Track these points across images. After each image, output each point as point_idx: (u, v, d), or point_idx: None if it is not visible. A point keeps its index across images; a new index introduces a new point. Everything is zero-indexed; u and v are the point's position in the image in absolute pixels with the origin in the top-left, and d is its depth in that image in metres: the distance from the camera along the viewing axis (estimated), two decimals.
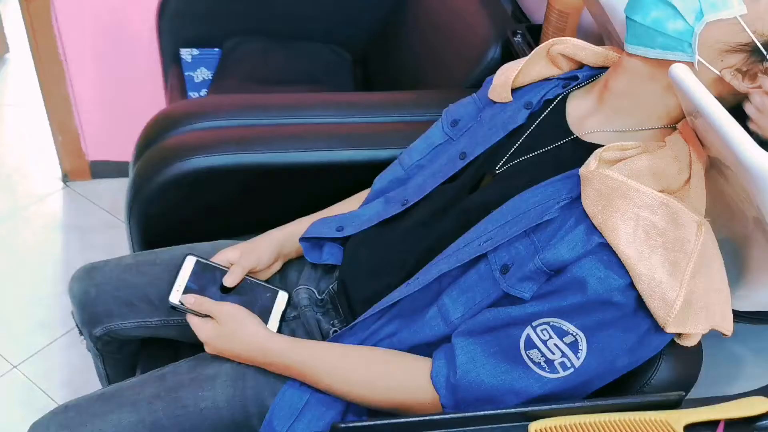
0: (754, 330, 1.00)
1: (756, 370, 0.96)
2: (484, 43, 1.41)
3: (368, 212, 1.04)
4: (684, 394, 0.66)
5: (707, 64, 0.79)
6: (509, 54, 1.36)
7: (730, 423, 0.62)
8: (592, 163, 0.80)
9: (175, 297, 0.94)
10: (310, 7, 1.81)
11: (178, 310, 0.94)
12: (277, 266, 1.06)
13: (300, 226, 1.06)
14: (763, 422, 0.62)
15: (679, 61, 0.79)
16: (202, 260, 0.99)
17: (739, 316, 1.02)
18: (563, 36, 1.27)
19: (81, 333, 1.16)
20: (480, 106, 1.03)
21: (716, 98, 0.80)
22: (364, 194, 1.11)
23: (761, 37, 0.77)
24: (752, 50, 0.78)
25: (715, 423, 0.62)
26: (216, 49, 1.79)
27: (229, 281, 0.97)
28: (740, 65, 0.79)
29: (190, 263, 0.98)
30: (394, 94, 1.37)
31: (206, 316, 0.92)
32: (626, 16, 0.83)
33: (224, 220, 1.23)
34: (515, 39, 1.35)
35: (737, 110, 0.80)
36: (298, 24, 1.84)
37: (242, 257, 1.01)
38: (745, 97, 0.80)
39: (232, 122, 1.23)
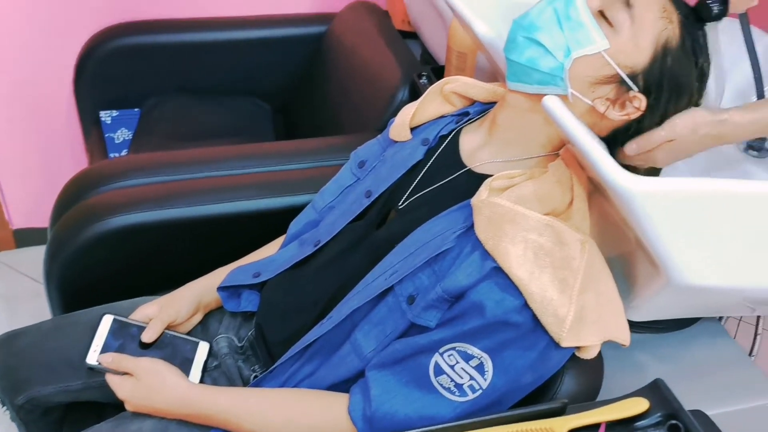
0: (656, 338, 1.05)
1: (658, 376, 1.01)
2: (393, 86, 1.47)
3: (284, 256, 1.07)
4: (567, 401, 0.70)
5: (580, 96, 0.85)
6: (416, 95, 1.42)
7: (611, 425, 0.66)
8: (483, 192, 0.85)
9: (93, 357, 0.94)
10: (229, 62, 1.85)
11: (97, 371, 0.94)
12: (198, 318, 1.07)
13: (218, 276, 1.08)
14: (641, 422, 0.66)
15: (554, 95, 0.86)
16: (119, 318, 0.99)
17: (640, 326, 1.08)
18: (464, 75, 1.34)
19: (2, 403, 1.14)
20: (384, 145, 1.08)
21: (592, 126, 0.88)
22: (281, 239, 1.13)
23: (625, 69, 0.84)
24: (620, 81, 0.85)
25: (596, 426, 0.66)
26: (135, 110, 1.81)
27: (147, 336, 0.98)
28: (610, 95, 0.86)
29: (107, 322, 0.98)
30: (309, 141, 1.41)
31: (125, 373, 0.92)
32: (505, 56, 0.89)
33: (145, 277, 1.23)
34: (421, 81, 1.42)
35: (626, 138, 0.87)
36: (217, 79, 1.88)
37: (161, 312, 1.02)
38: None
39: (149, 180, 1.25)
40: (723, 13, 0.92)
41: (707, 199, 0.73)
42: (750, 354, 1.20)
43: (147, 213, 1.17)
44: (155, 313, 1.01)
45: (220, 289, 1.06)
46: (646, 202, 0.71)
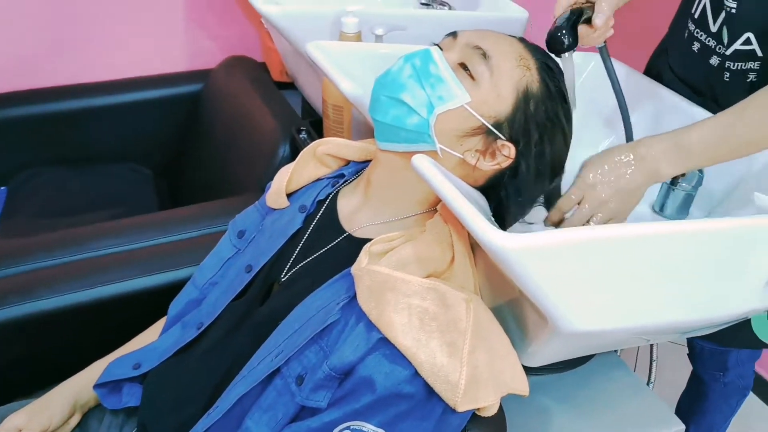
0: (556, 378, 1.05)
1: (562, 417, 1.01)
2: (272, 144, 1.43)
3: (166, 342, 1.00)
4: None
5: (449, 150, 0.84)
6: (297, 151, 1.39)
7: None
8: (362, 259, 0.82)
9: None
10: (103, 129, 1.76)
11: None
12: (75, 420, 0.98)
13: (94, 371, 1.00)
14: None
15: (424, 151, 0.85)
16: None
17: (538, 369, 1.07)
18: (342, 127, 1.32)
19: None
20: (263, 213, 1.04)
21: (465, 177, 0.87)
22: (163, 322, 1.06)
23: (489, 119, 0.84)
24: (486, 131, 0.84)
25: None
26: (1, 188, 1.69)
27: None
28: (479, 146, 0.85)
29: None
30: (188, 209, 1.35)
31: None
32: (371, 117, 0.87)
33: (16, 378, 1.13)
34: (300, 136, 1.39)
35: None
36: (92, 147, 1.78)
37: (31, 421, 0.92)
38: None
39: (11, 270, 1.15)
40: (573, 44, 0.94)
41: (581, 248, 0.73)
42: (648, 383, 1.22)
43: (9, 308, 1.07)
44: (24, 423, 0.92)
45: (97, 386, 0.98)
46: (520, 258, 0.70)
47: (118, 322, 1.11)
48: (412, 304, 0.77)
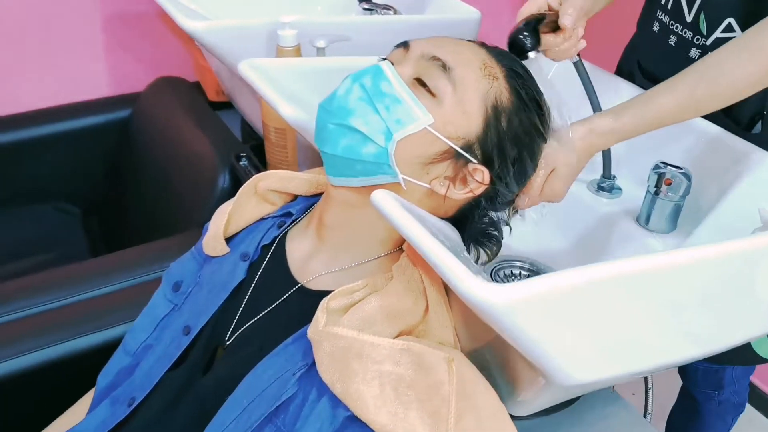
0: (549, 420, 0.94)
1: None
2: (211, 173, 1.29)
3: (92, 423, 0.84)
4: None
5: (414, 180, 0.72)
6: (239, 180, 1.25)
7: None
8: (320, 318, 0.68)
9: None
10: (23, 166, 1.58)
11: None
12: None
13: None
14: None
15: (385, 184, 0.72)
16: None
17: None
18: (286, 152, 1.19)
19: None
20: (200, 260, 0.89)
21: (435, 209, 0.75)
22: (91, 395, 0.91)
23: (457, 141, 0.72)
24: (455, 155, 0.72)
25: None
26: None
27: None
28: (448, 172, 0.73)
29: None
30: (119, 254, 1.19)
31: None
32: (318, 148, 0.74)
33: None
34: (241, 163, 1.25)
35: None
36: (11, 188, 1.60)
37: None
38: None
39: None
40: (535, 43, 0.85)
41: (579, 292, 0.61)
42: (645, 414, 1.12)
43: None
44: None
45: None
46: (509, 312, 0.58)
47: (38, 398, 0.96)
48: (383, 371, 0.65)
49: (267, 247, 0.82)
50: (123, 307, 1.05)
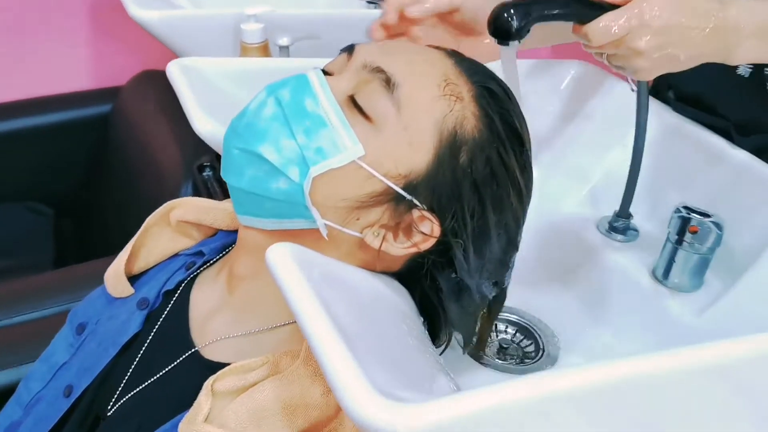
0: None
1: None
2: (174, 182, 1.14)
3: None
4: None
5: (340, 228, 0.55)
6: (201, 193, 1.10)
7: None
8: (202, 406, 0.52)
9: None
10: None
11: None
12: None
13: None
14: None
15: (302, 230, 0.56)
16: None
17: None
18: None
19: None
20: (110, 298, 0.74)
21: (369, 265, 0.58)
22: None
23: (397, 179, 0.55)
24: (394, 198, 0.55)
25: None
26: None
27: None
28: (385, 219, 0.56)
29: None
30: (60, 273, 1.05)
31: None
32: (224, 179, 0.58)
33: None
34: (204, 174, 1.10)
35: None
36: None
37: None
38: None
39: None
40: (522, 30, 0.62)
41: (522, 415, 0.43)
42: None
43: None
44: None
45: None
46: None
47: None
48: None
49: (171, 293, 0.66)
50: (18, 344, 0.90)
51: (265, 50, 0.96)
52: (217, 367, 0.56)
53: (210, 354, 0.59)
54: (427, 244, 0.57)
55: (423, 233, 0.56)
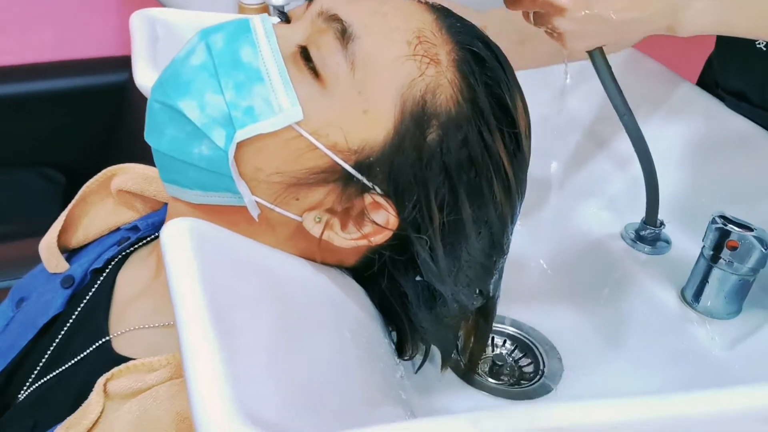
0: None
1: None
2: None
3: None
4: None
5: (274, 208, 0.46)
6: None
7: None
8: (93, 406, 0.44)
9: None
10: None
11: None
12: None
13: None
14: None
15: (229, 206, 0.46)
16: None
17: None
18: None
19: None
20: (48, 275, 0.66)
21: (313, 255, 0.48)
22: None
23: (347, 154, 0.44)
24: (342, 177, 0.45)
25: None
26: None
27: None
28: (328, 202, 0.46)
29: None
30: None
31: None
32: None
33: None
34: None
35: None
36: None
37: None
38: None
39: None
40: None
41: None
42: None
43: None
44: None
45: None
46: None
47: None
48: None
49: (98, 272, 0.58)
50: None
51: (263, 12, 0.87)
52: (122, 362, 0.47)
53: (120, 346, 0.50)
54: (381, 237, 0.46)
55: (376, 223, 0.45)
